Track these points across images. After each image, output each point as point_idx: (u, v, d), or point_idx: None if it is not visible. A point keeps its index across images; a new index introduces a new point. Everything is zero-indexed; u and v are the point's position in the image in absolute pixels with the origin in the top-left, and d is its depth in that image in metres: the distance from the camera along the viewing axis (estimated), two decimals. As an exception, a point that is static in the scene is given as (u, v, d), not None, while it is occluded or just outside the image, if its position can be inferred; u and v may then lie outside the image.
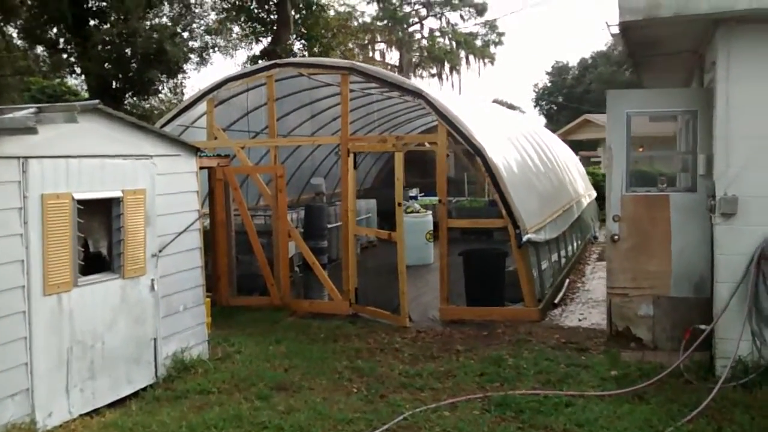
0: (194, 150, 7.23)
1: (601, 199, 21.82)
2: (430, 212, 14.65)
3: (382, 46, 46.28)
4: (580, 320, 9.22)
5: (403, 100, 14.59)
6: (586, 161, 27.47)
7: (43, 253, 5.48)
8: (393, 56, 46.85)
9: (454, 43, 48.48)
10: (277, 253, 10.10)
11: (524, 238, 9.07)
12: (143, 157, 6.51)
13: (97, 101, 5.92)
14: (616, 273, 7.06)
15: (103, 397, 6.08)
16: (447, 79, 47.41)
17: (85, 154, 5.86)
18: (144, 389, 6.59)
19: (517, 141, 12.57)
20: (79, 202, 5.77)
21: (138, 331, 6.49)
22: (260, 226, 10.95)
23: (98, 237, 6.11)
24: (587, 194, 18.36)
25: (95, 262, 6.07)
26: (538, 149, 13.54)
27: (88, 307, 5.91)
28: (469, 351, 7.83)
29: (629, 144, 7.27)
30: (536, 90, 69.80)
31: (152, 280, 6.61)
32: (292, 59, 11.32)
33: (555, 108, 66.12)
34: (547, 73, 69.86)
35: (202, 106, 10.72)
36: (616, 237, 7.08)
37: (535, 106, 67.28)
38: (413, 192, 20.59)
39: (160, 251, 6.70)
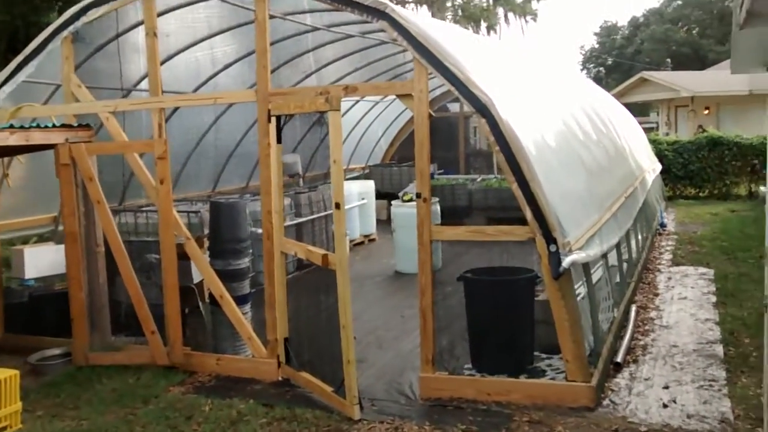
0: None
1: (665, 173, 17.53)
2: (437, 200, 10.63)
3: (411, 5, 41.98)
4: (665, 404, 5.18)
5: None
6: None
7: None
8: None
9: (491, 0, 43.77)
10: (166, 280, 6.28)
11: (565, 263, 5.04)
12: None
13: None
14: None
15: None
16: (483, 40, 42.78)
17: None
18: None
19: (558, 98, 8.47)
20: None
21: None
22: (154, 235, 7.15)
23: None
24: (652, 168, 14.08)
25: None
26: (591, 112, 9.37)
27: None
28: None
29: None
30: (583, 52, 65.06)
31: None
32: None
33: (603, 71, 61.09)
34: (595, 34, 65.15)
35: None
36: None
37: (582, 69, 62.23)
38: (430, 168, 16.60)
39: None
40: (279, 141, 5.86)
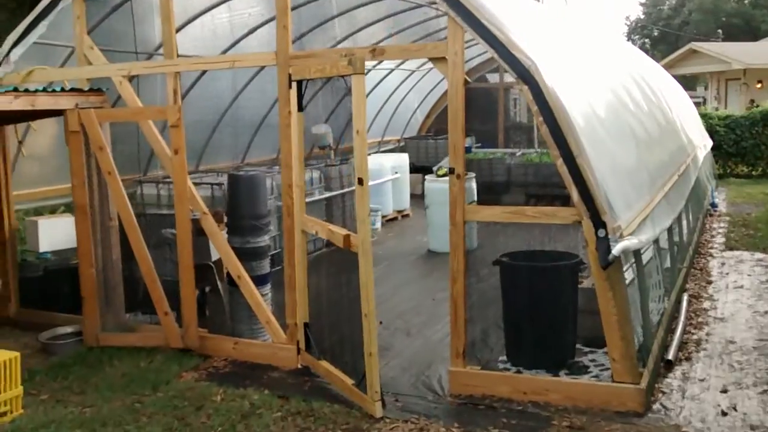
0: None
1: (715, 150, 16.60)
2: (473, 175, 10.09)
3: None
4: (724, 411, 4.61)
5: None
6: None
7: None
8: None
9: (533, -34, 42.37)
10: (180, 258, 5.88)
11: (615, 250, 4.49)
12: None
13: None
14: None
15: None
16: (525, 9, 41.52)
17: None
18: None
19: (606, 66, 7.81)
20: None
21: None
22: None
23: None
24: (703, 144, 13.24)
25: None
26: (641, 81, 8.67)
27: None
28: None
29: None
30: (628, 23, 63.25)
31: None
32: None
33: (649, 43, 59.22)
34: (641, 4, 63.18)
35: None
36: None
37: (627, 41, 60.38)
38: (467, 142, 15.93)
39: None
40: (300, 109, 5.37)
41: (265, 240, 6.04)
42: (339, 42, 10.26)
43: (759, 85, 25.91)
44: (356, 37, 10.51)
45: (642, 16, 61.78)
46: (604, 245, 4.52)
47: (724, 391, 4.91)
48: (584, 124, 4.91)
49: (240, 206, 5.95)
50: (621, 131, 6.09)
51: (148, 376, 5.50)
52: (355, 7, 9.31)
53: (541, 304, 5.36)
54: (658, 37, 58.19)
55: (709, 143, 14.64)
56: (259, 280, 5.97)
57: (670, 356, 5.45)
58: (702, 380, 5.13)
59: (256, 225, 5.93)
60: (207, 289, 6.74)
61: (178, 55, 5.84)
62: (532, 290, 5.40)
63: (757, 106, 19.83)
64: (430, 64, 14.61)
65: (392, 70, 13.90)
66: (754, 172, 17.23)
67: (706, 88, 34.51)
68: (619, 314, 4.63)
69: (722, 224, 11.21)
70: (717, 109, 23.34)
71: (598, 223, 4.56)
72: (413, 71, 14.95)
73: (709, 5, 53.50)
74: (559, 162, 4.62)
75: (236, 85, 10.12)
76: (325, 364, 5.31)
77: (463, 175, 5.00)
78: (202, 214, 5.87)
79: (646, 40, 60.06)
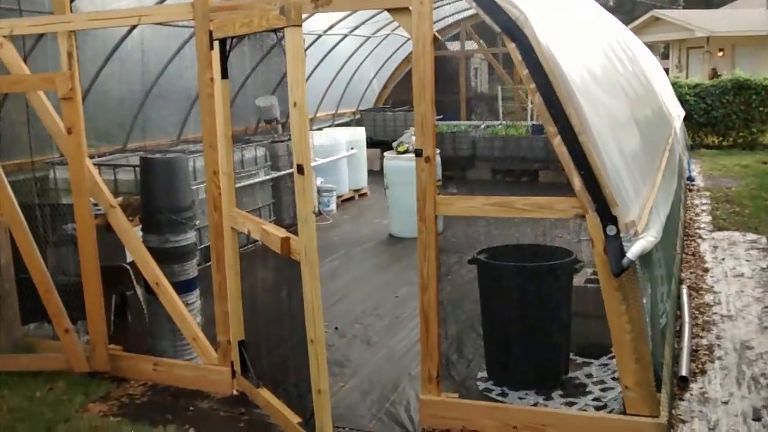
0: None
1: (685, 120, 15.80)
2: (438, 151, 9.02)
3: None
4: (762, 448, 3.73)
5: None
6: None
7: None
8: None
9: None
10: (83, 263, 4.72)
11: (630, 252, 3.49)
12: None
13: None
14: None
15: None
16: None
17: None
18: None
19: (591, 26, 6.81)
20: None
21: None
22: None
23: None
24: (677, 114, 12.42)
25: None
26: (626, 48, 7.70)
27: None
28: None
29: None
30: (585, -9, 62.69)
31: None
32: None
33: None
34: (598, -28, 62.67)
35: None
36: None
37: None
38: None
39: None
40: (225, 75, 4.24)
41: (189, 237, 4.91)
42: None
43: (721, 54, 25.35)
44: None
45: (599, -15, 61.21)
46: (615, 246, 3.52)
47: (758, 418, 4.01)
48: (585, 92, 3.90)
49: (156, 197, 4.79)
50: (621, 103, 5.11)
51: (44, 411, 4.38)
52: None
53: (530, 311, 4.40)
54: (614, 6, 57.63)
55: (682, 113, 13.86)
56: (184, 287, 4.86)
57: (684, 371, 4.53)
58: (726, 402, 4.22)
59: (176, 220, 4.79)
60: (121, 294, 5.66)
61: (71, 10, 4.63)
62: (519, 295, 4.42)
63: (720, 74, 19.18)
64: (387, 30, 13.53)
65: (345, 35, 12.70)
66: (725, 143, 16.56)
67: (663, 58, 34.01)
68: (634, 332, 3.66)
69: (704, 200, 10.41)
70: (678, 78, 22.65)
71: (607, 217, 3.57)
72: (369, 37, 13.76)
73: (665, -26, 53.04)
74: (557, 140, 3.59)
75: (169, 50, 8.87)
76: (264, 392, 4.25)
77: (434, 157, 3.97)
78: (110, 207, 4.72)
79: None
